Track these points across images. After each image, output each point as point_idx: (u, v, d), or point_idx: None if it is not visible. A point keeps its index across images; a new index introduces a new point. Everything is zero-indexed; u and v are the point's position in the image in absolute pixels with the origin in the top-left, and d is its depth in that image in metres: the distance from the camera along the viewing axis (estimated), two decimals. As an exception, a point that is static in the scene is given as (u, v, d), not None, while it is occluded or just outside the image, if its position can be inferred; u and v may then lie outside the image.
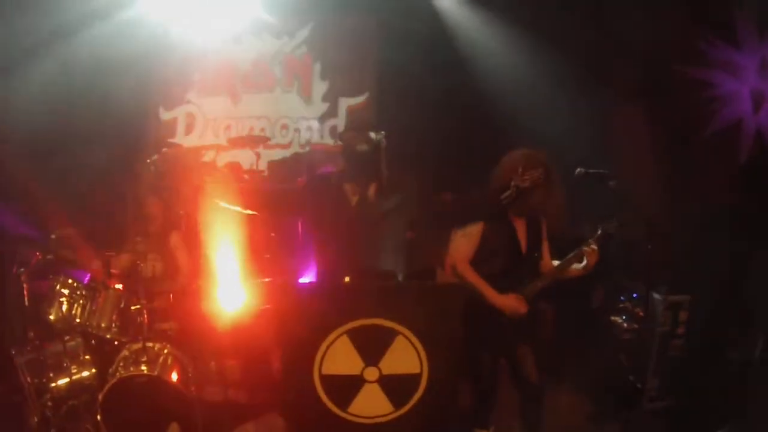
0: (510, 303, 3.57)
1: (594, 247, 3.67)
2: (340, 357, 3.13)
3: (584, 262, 3.69)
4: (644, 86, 5.92)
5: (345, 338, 3.13)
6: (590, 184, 4.05)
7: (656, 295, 4.77)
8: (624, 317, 5.02)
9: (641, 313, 4.87)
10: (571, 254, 3.71)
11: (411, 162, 6.11)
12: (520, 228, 3.70)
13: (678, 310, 4.75)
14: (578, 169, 4.05)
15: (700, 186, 5.30)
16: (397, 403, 3.19)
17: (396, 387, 3.18)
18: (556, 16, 5.92)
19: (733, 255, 4.83)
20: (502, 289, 3.58)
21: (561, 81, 5.93)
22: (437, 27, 6.39)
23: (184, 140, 6.70)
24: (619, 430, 3.66)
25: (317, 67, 6.81)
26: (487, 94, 6.23)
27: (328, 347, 3.13)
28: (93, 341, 4.50)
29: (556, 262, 3.82)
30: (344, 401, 3.17)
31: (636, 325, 4.88)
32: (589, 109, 5.79)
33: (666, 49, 5.57)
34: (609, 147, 5.75)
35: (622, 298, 5.12)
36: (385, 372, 3.16)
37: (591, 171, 3.99)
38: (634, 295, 5.01)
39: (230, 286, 5.22)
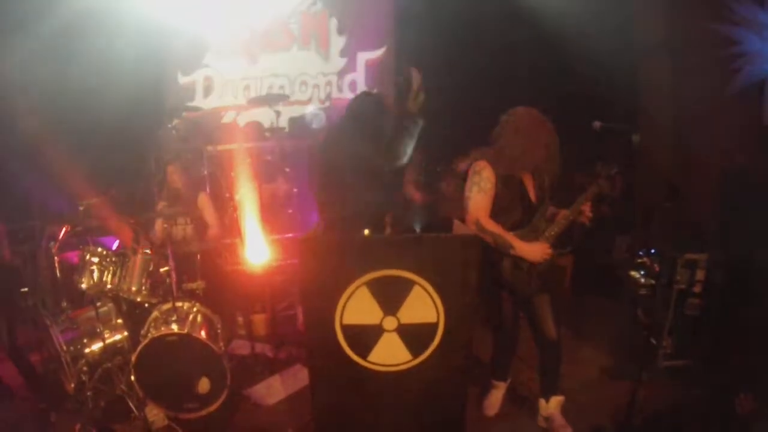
0: (535, 250, 3.63)
1: (601, 182, 3.70)
2: (359, 307, 3.19)
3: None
4: (668, 40, 5.79)
5: (364, 289, 3.17)
6: (607, 138, 4.02)
7: (673, 252, 4.71)
8: (642, 272, 4.99)
9: (658, 269, 4.82)
10: (581, 197, 3.73)
11: (430, 118, 6.12)
12: (527, 179, 3.75)
13: (695, 268, 4.65)
14: (595, 122, 4.01)
15: (721, 146, 5.20)
16: (415, 351, 3.25)
17: (413, 336, 3.23)
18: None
19: (752, 215, 4.73)
20: (521, 239, 3.63)
21: (588, 36, 5.78)
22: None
23: (203, 103, 6.77)
24: (635, 387, 3.68)
25: (333, 22, 6.81)
26: (510, 40, 6.16)
27: (348, 298, 3.19)
28: (124, 305, 4.63)
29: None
30: (364, 350, 3.24)
31: (653, 281, 4.84)
32: (614, 60, 5.68)
33: (690, 3, 5.43)
34: (632, 102, 5.66)
35: (640, 252, 5.09)
36: (403, 321, 3.21)
37: (609, 125, 3.95)
38: (652, 251, 4.97)
39: (255, 243, 5.32)
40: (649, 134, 4.81)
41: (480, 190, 3.63)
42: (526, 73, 6.09)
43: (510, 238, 3.61)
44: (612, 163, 3.76)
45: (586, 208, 3.76)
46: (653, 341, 4.77)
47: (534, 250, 3.64)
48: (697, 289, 4.68)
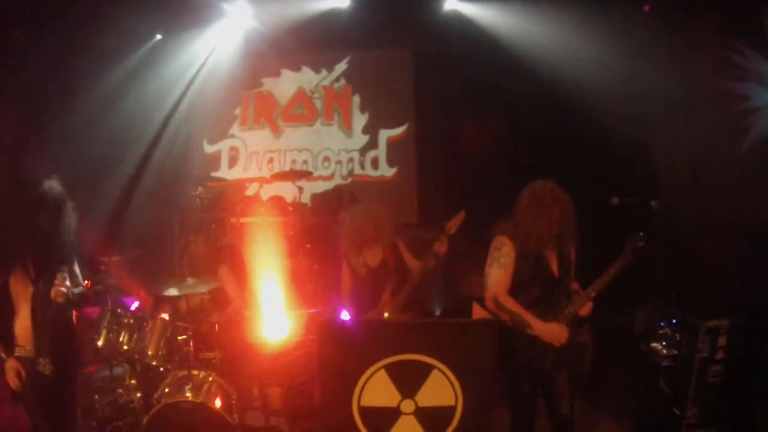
0: (553, 330, 3.60)
1: (627, 255, 3.70)
2: (378, 390, 3.22)
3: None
4: (678, 101, 5.88)
5: (383, 372, 3.22)
6: (626, 212, 4.06)
7: (694, 321, 4.69)
8: (663, 343, 4.95)
9: (679, 338, 4.80)
10: (604, 274, 3.72)
11: (448, 194, 6.24)
12: (550, 255, 3.75)
13: (716, 335, 4.61)
14: (613, 199, 4.08)
15: (737, 204, 5.22)
16: (433, 434, 3.27)
17: (432, 419, 3.25)
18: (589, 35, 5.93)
19: None
20: (539, 317, 3.62)
21: (598, 103, 5.90)
22: (476, 51, 6.46)
23: (227, 173, 6.93)
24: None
25: (356, 99, 6.99)
26: (531, 116, 6.29)
27: (366, 380, 3.23)
28: (139, 367, 4.66)
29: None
30: (382, 432, 3.27)
31: (675, 351, 4.80)
32: (628, 125, 5.78)
33: (698, 62, 5.53)
34: (647, 168, 5.69)
35: (662, 323, 5.07)
36: (421, 404, 3.24)
37: (627, 200, 4.01)
38: (674, 321, 4.96)
39: (274, 316, 5.36)
40: (666, 197, 4.81)
41: (500, 267, 3.64)
42: (541, 145, 6.17)
43: (528, 317, 3.58)
44: (638, 235, 3.76)
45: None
46: (676, 411, 4.71)
47: (552, 331, 3.60)
48: (719, 355, 4.63)
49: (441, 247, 4.17)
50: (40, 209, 3.59)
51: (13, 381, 3.55)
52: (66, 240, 3.68)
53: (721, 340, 4.63)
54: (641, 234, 3.76)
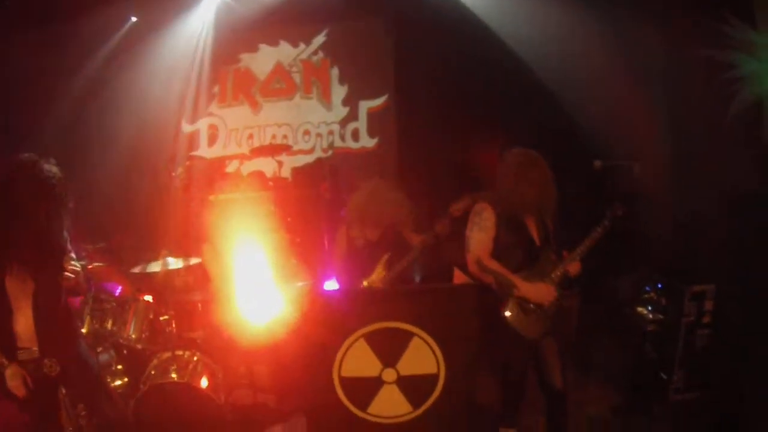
0: (539, 290, 3.60)
1: (606, 224, 3.72)
2: (358, 360, 3.20)
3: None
4: (664, 69, 5.83)
5: (362, 341, 3.19)
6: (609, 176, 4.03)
7: (680, 285, 4.70)
8: (649, 308, 4.97)
9: (665, 303, 4.81)
10: (587, 239, 3.73)
11: (430, 163, 6.19)
12: (530, 222, 3.74)
13: (703, 300, 4.65)
14: (596, 162, 4.04)
15: (721, 171, 5.20)
16: (416, 403, 3.24)
17: (414, 387, 3.23)
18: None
19: (757, 241, 4.73)
20: (526, 281, 3.62)
21: (584, 67, 5.84)
22: (453, 20, 6.30)
23: (207, 152, 6.88)
24: (646, 423, 3.62)
25: (335, 71, 6.91)
26: (510, 84, 6.22)
27: (346, 350, 3.20)
28: (125, 351, 4.62)
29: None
30: (364, 402, 3.24)
31: (661, 316, 4.82)
32: (609, 94, 5.72)
33: (682, 28, 5.48)
34: (630, 134, 5.67)
35: (647, 288, 5.07)
36: (402, 373, 3.22)
37: (610, 163, 3.98)
38: (659, 285, 4.97)
39: (257, 292, 5.32)
40: (649, 164, 4.82)
41: (480, 230, 3.64)
42: (522, 114, 6.11)
43: (513, 277, 3.58)
44: (617, 205, 3.76)
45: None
46: (663, 376, 4.72)
47: (538, 290, 3.60)
48: (706, 319, 4.66)
49: (443, 227, 4.16)
50: (41, 197, 3.20)
51: (19, 389, 3.18)
52: (68, 226, 3.38)
53: (708, 305, 4.67)
54: (619, 203, 3.76)
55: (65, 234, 3.40)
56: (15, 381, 3.16)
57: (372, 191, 4.32)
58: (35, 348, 3.24)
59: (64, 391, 4.10)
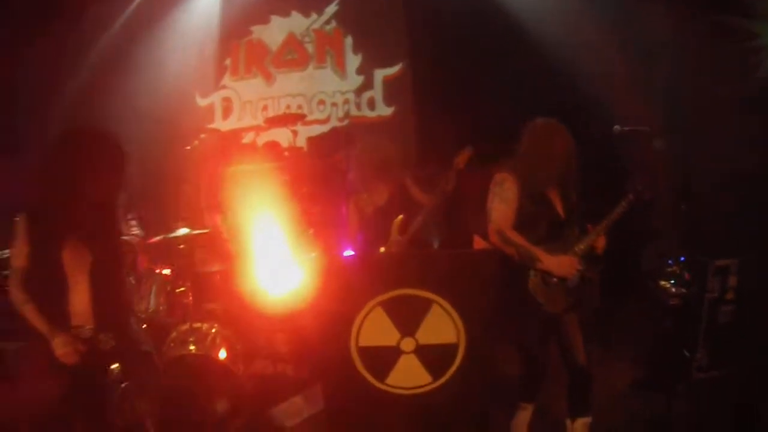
0: (562, 262, 3.50)
1: (631, 197, 3.60)
2: (375, 329, 3.13)
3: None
4: (684, 38, 5.67)
5: (380, 309, 3.12)
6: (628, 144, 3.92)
7: (703, 259, 4.57)
8: (672, 281, 4.84)
9: (688, 277, 4.68)
10: (610, 213, 3.62)
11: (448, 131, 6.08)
12: (554, 195, 3.64)
13: (727, 275, 4.52)
14: (615, 127, 3.92)
15: (743, 144, 5.04)
16: (435, 373, 3.17)
17: (433, 357, 3.15)
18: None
19: None
20: (549, 254, 3.51)
21: (602, 36, 5.68)
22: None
23: (222, 125, 6.86)
24: (667, 401, 3.53)
25: (348, 40, 6.81)
26: (525, 50, 6.09)
27: (363, 319, 3.14)
28: (144, 325, 4.61)
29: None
30: (382, 373, 3.17)
31: (684, 290, 4.68)
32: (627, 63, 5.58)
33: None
34: (649, 104, 5.55)
35: (669, 261, 4.94)
36: (421, 342, 3.14)
37: (629, 129, 3.87)
38: (682, 259, 4.83)
39: (274, 263, 5.30)
40: (667, 135, 4.70)
41: (502, 201, 3.53)
42: (536, 84, 5.99)
43: (535, 250, 3.47)
44: (640, 176, 3.67)
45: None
46: (686, 353, 4.61)
47: (561, 263, 3.49)
48: (729, 296, 4.54)
49: (448, 183, 4.10)
50: (106, 170, 3.05)
51: (69, 357, 2.93)
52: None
53: (732, 280, 4.54)
54: (642, 174, 3.67)
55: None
56: (66, 348, 2.93)
57: (369, 151, 4.40)
58: (89, 326, 3.07)
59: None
